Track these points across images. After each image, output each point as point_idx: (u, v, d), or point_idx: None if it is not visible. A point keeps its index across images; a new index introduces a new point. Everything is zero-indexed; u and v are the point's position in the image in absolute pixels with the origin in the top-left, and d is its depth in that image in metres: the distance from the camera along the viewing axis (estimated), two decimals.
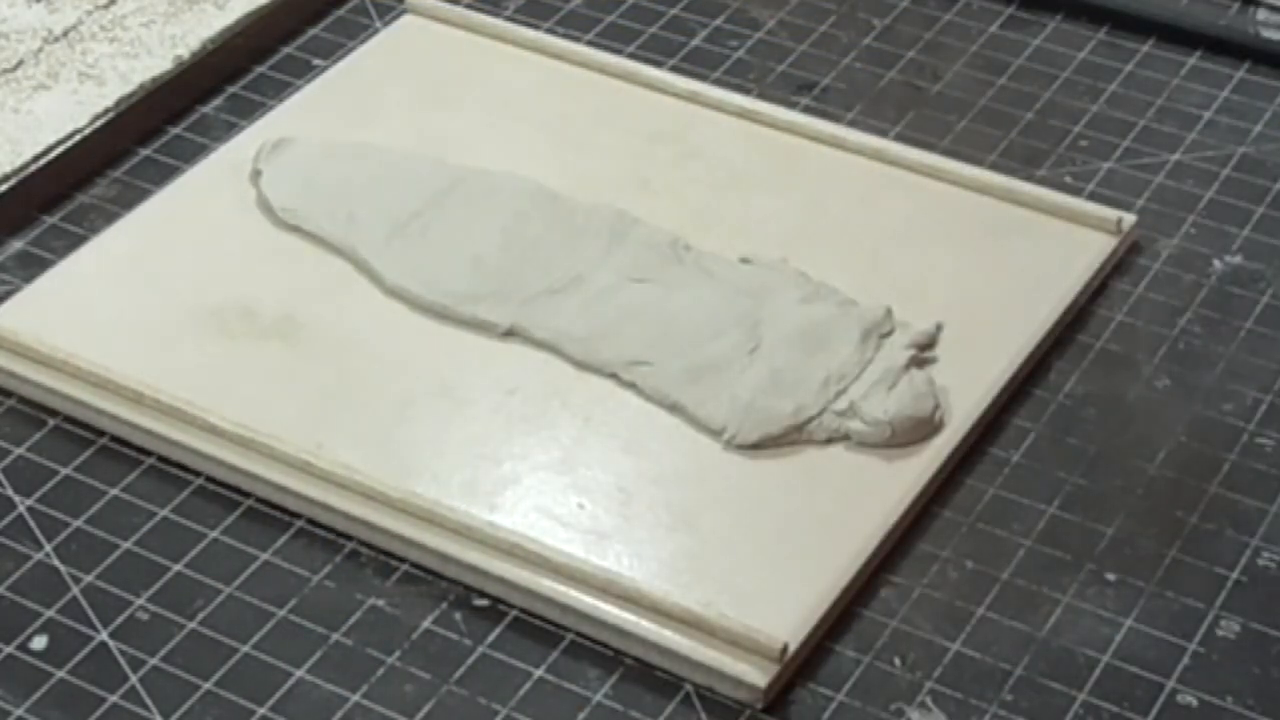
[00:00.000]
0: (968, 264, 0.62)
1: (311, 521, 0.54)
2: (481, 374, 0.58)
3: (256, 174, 0.63)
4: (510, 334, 0.59)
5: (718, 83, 0.69)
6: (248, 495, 0.55)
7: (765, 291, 0.60)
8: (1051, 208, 0.63)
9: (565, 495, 0.54)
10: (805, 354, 0.57)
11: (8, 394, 0.58)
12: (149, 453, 0.56)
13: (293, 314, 0.59)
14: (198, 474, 0.56)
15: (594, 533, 0.53)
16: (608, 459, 0.56)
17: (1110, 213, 0.63)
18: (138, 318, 0.59)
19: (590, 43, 0.71)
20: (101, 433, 0.57)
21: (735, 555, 0.53)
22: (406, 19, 0.71)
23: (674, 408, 0.57)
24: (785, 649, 0.50)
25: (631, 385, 0.57)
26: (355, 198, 0.62)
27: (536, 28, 0.72)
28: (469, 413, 0.57)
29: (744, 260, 0.61)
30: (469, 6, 0.72)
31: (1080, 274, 0.61)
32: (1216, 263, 0.63)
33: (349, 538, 0.54)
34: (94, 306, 0.60)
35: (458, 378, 0.58)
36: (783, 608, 0.51)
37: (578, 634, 0.52)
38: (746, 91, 0.69)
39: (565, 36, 0.71)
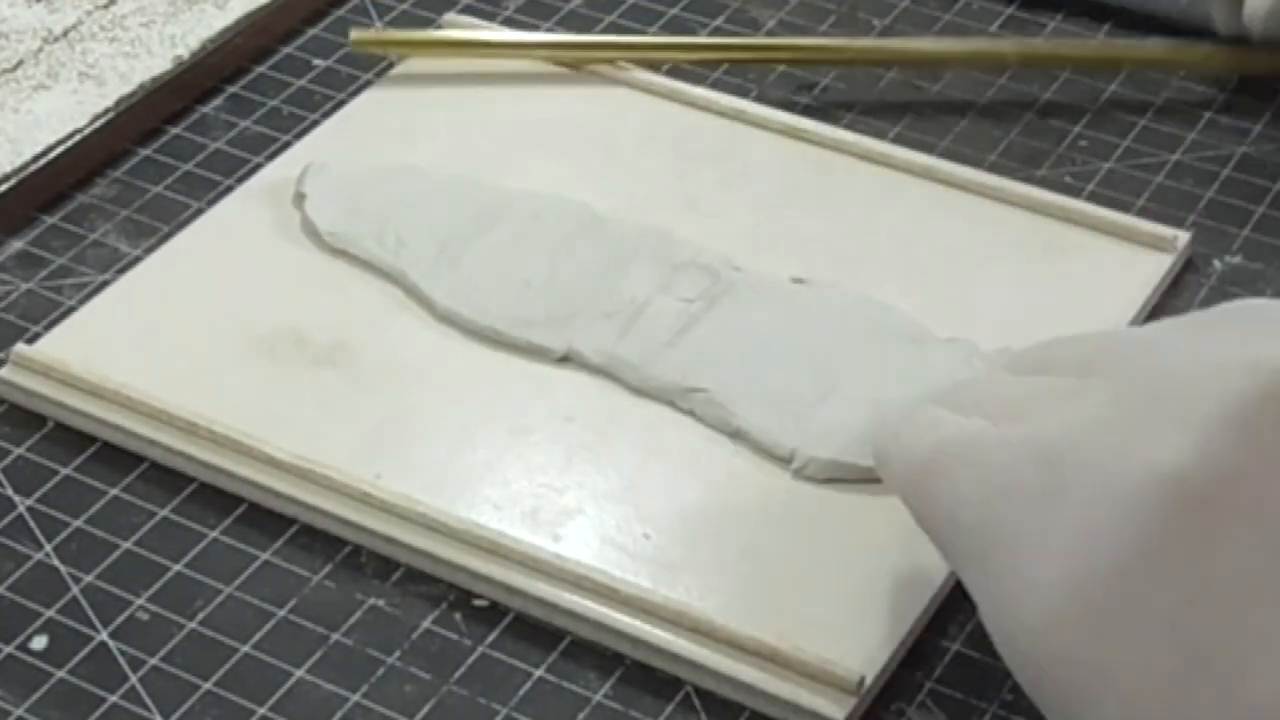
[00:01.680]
0: (1024, 284, 0.61)
1: (310, 523, 0.54)
2: (537, 401, 0.57)
3: (300, 197, 0.63)
4: (565, 360, 0.58)
5: (717, 83, 0.69)
6: (249, 495, 0.55)
7: (823, 314, 0.59)
8: (1106, 225, 0.63)
9: (630, 525, 0.54)
10: (881, 386, 0.57)
11: (46, 419, 0.57)
12: (148, 455, 0.56)
13: (344, 341, 0.59)
14: (198, 474, 0.56)
15: (661, 563, 0.53)
16: (672, 487, 0.55)
17: (1165, 230, 0.62)
18: (186, 346, 0.59)
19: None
20: (96, 439, 0.57)
21: (803, 586, 0.52)
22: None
23: (736, 434, 0.56)
24: (862, 681, 0.49)
25: (689, 412, 0.57)
26: (403, 221, 0.62)
27: (536, 28, 0.72)
28: (527, 440, 0.56)
29: (796, 280, 0.60)
30: (505, 22, 0.72)
31: (1136, 294, 0.61)
32: (1216, 263, 0.63)
33: (346, 541, 0.54)
34: (140, 335, 0.59)
35: (514, 404, 0.57)
36: (855, 639, 0.51)
37: (576, 637, 0.52)
38: (746, 92, 0.69)
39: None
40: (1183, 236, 0.62)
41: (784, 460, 0.55)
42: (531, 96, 0.68)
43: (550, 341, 0.58)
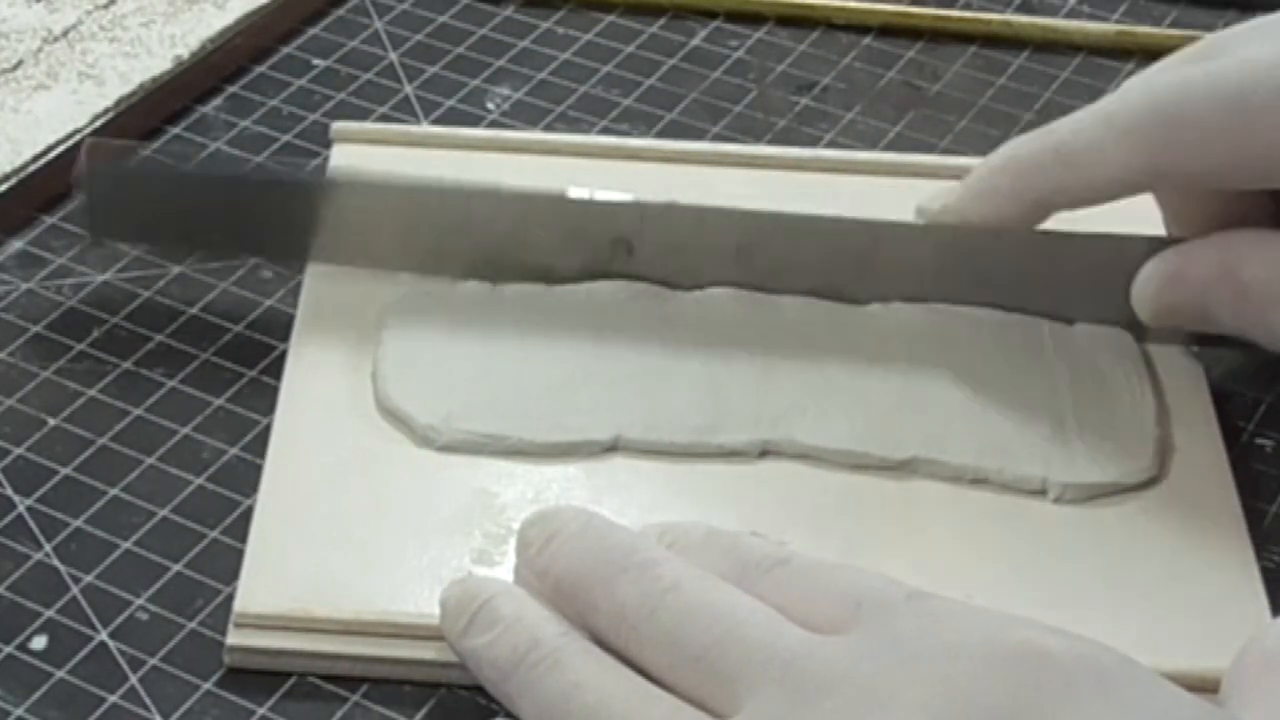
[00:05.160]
0: None
1: None
2: (728, 503, 0.54)
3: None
4: (765, 454, 0.55)
5: (717, 83, 0.69)
6: (247, 496, 0.55)
7: (997, 336, 0.58)
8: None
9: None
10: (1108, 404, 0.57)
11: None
12: (148, 453, 0.56)
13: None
14: (197, 475, 0.56)
15: None
16: (950, 558, 0.53)
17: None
18: (378, 551, 0.53)
19: (590, 41, 0.71)
20: (102, 433, 0.57)
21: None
22: (339, 150, 0.65)
23: (978, 480, 0.55)
24: None
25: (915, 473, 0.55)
26: (483, 391, 0.57)
27: (535, 28, 0.72)
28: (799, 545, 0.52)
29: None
30: (444, 121, 0.69)
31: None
32: None
33: None
34: (325, 555, 0.53)
35: (709, 510, 0.53)
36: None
37: None
38: (746, 92, 0.69)
39: (564, 37, 0.72)
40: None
41: (1037, 492, 0.55)
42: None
43: (746, 438, 0.56)
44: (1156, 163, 0.54)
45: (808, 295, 0.59)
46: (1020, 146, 0.57)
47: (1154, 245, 0.57)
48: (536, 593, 0.49)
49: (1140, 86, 0.56)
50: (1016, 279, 0.58)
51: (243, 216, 0.60)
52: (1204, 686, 0.46)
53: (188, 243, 0.61)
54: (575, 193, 0.59)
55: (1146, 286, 0.57)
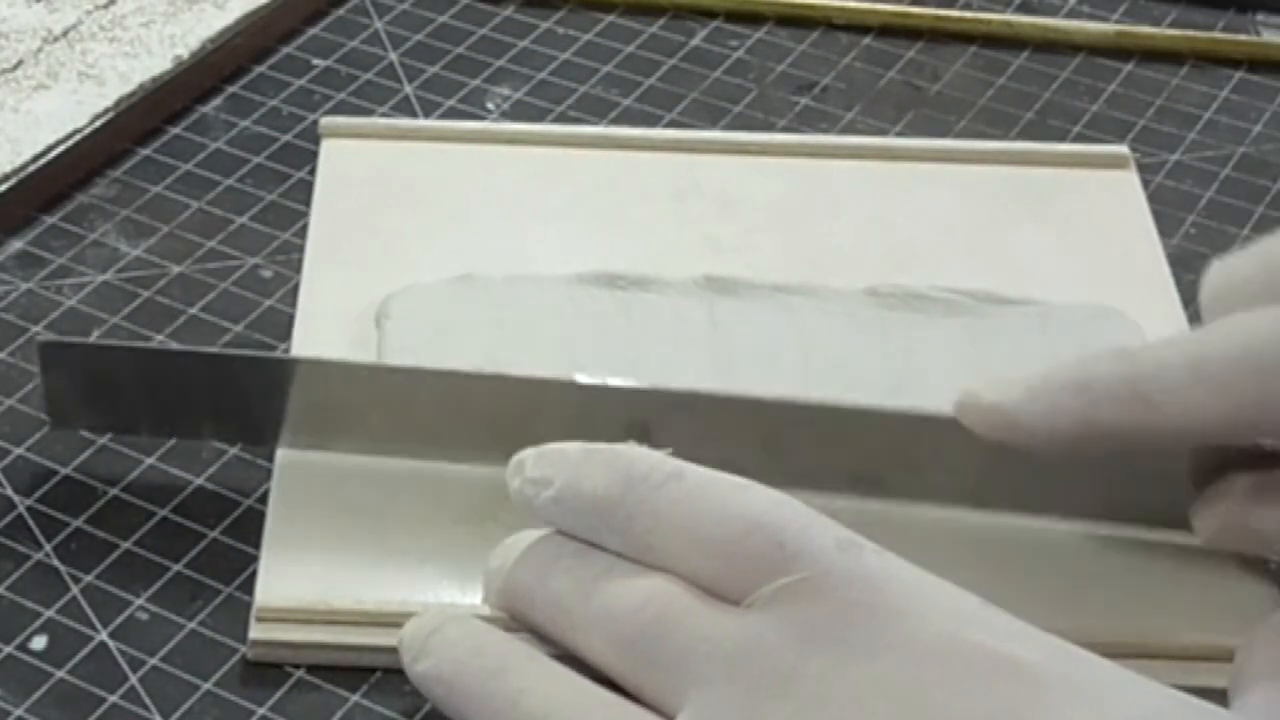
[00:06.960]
0: (1042, 231, 0.62)
1: None
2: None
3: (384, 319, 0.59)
4: None
5: (717, 83, 0.69)
6: (247, 496, 0.55)
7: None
8: (1066, 158, 0.65)
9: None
10: None
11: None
12: (148, 454, 0.56)
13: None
14: (197, 475, 0.56)
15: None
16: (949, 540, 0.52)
17: (1111, 149, 0.65)
18: (395, 543, 0.53)
19: (590, 41, 0.71)
20: (102, 433, 0.57)
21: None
22: (328, 145, 0.66)
23: None
24: None
25: None
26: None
27: (535, 28, 0.72)
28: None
29: (871, 292, 0.59)
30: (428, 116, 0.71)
31: (1142, 209, 0.63)
32: (1216, 263, 0.63)
33: None
34: (343, 547, 0.53)
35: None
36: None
37: None
38: (746, 92, 0.69)
39: (564, 37, 0.72)
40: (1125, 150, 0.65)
41: None
42: (473, 182, 0.64)
43: None
44: (1248, 415, 0.49)
45: (843, 493, 0.53)
46: (1096, 369, 0.50)
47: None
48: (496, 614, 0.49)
49: (1231, 330, 0.50)
50: (1071, 486, 0.53)
51: (213, 398, 0.55)
52: (1215, 656, 0.46)
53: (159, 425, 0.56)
54: (584, 379, 0.54)
55: (1205, 527, 0.52)
